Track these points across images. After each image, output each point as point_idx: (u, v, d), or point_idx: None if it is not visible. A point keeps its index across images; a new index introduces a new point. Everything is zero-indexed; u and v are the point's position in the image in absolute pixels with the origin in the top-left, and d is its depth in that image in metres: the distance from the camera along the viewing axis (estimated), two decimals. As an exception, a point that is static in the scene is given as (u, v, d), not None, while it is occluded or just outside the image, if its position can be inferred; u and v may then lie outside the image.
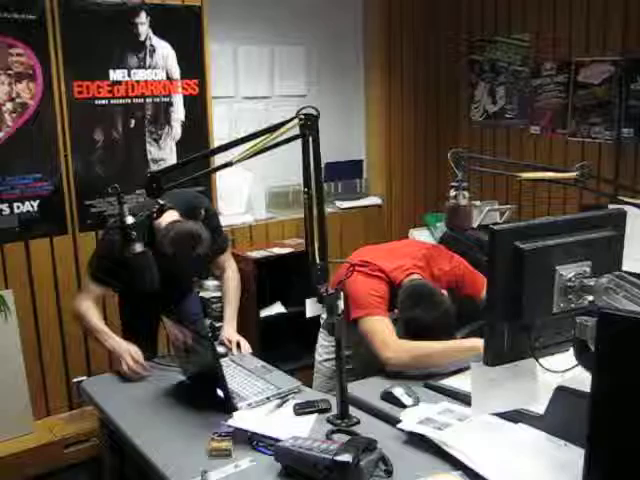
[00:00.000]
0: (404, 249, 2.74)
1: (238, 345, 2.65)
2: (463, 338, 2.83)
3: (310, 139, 1.90)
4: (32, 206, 3.43)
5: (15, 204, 3.39)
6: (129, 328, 2.82)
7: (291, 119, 1.90)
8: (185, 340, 2.26)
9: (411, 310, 2.38)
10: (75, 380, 3.51)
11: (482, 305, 2.54)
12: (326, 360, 2.76)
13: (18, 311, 3.27)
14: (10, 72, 3.30)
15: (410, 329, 2.38)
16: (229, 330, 2.74)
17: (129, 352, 2.44)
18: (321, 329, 2.83)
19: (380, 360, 2.32)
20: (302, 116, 1.90)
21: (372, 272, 2.50)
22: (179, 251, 2.23)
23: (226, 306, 2.83)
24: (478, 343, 2.09)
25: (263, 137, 1.92)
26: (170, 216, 2.40)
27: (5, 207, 3.36)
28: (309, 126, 1.89)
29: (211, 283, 3.94)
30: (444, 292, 2.52)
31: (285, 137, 1.94)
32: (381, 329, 2.37)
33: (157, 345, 2.91)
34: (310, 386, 2.43)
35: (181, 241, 2.27)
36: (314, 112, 1.90)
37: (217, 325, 3.08)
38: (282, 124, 1.91)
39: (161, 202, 1.97)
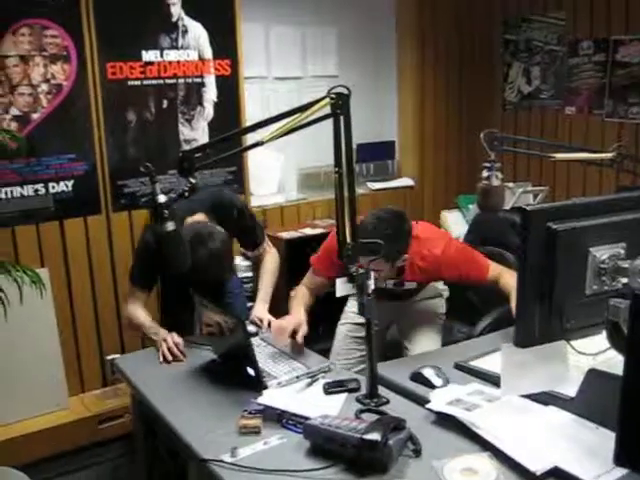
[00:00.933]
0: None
1: (269, 324, 2.66)
2: (488, 325, 2.84)
3: (341, 118, 1.88)
4: (67, 186, 3.48)
5: (50, 184, 3.44)
6: (168, 317, 2.86)
7: (322, 98, 1.89)
8: (217, 319, 2.28)
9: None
10: (109, 358, 3.57)
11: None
12: (343, 324, 2.96)
13: (53, 289, 3.32)
14: (45, 54, 3.34)
15: None
16: (260, 309, 2.75)
17: (167, 337, 2.48)
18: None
19: None
20: (333, 95, 1.89)
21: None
22: (192, 253, 2.21)
23: (261, 286, 2.85)
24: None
25: (294, 116, 1.92)
26: (197, 218, 2.43)
27: (40, 187, 3.41)
28: (340, 105, 1.88)
29: (243, 263, 3.97)
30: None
31: (316, 116, 1.93)
32: None
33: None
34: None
35: (193, 243, 2.28)
36: (345, 91, 1.89)
37: (249, 305, 3.09)
38: (313, 103, 1.90)
39: (193, 181, 1.97)
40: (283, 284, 4.03)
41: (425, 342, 2.79)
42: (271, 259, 2.92)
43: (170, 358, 2.43)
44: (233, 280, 3.06)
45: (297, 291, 2.74)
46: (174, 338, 2.47)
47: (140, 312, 2.63)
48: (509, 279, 2.45)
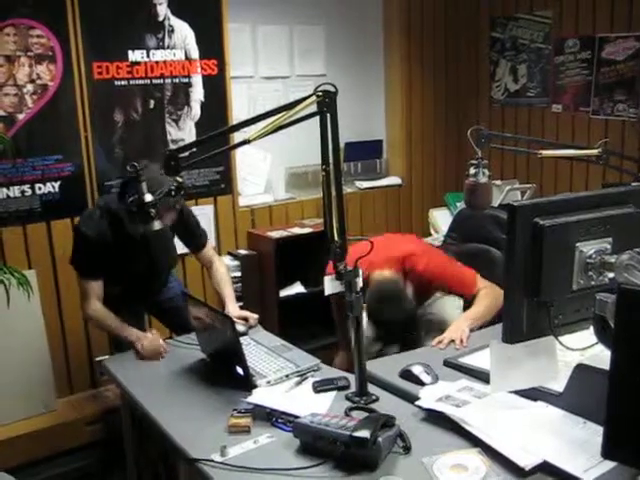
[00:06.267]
0: (390, 243, 2.80)
1: (246, 319, 2.68)
2: None
3: (328, 116, 1.88)
4: (53, 187, 3.46)
5: (37, 185, 3.42)
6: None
7: (309, 96, 1.89)
8: (205, 319, 2.28)
9: (377, 309, 2.54)
10: (97, 359, 3.55)
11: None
12: None
13: (41, 291, 3.29)
14: (30, 54, 3.32)
15: (376, 325, 2.58)
16: (233, 308, 2.76)
17: (142, 337, 2.52)
18: None
19: None
20: (320, 93, 1.88)
21: None
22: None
23: (223, 288, 2.84)
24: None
25: (281, 114, 1.91)
26: None
27: (27, 188, 3.39)
28: (327, 103, 1.88)
29: (232, 263, 3.97)
30: (409, 290, 2.63)
31: (303, 114, 1.93)
32: None
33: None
34: (329, 364, 2.45)
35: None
36: (332, 89, 1.89)
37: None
38: (300, 101, 1.89)
39: (179, 180, 1.97)
40: (273, 284, 4.05)
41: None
42: (221, 263, 2.94)
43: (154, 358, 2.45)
44: (178, 285, 3.12)
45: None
46: (148, 340, 2.50)
47: (106, 313, 2.61)
48: (489, 292, 2.62)
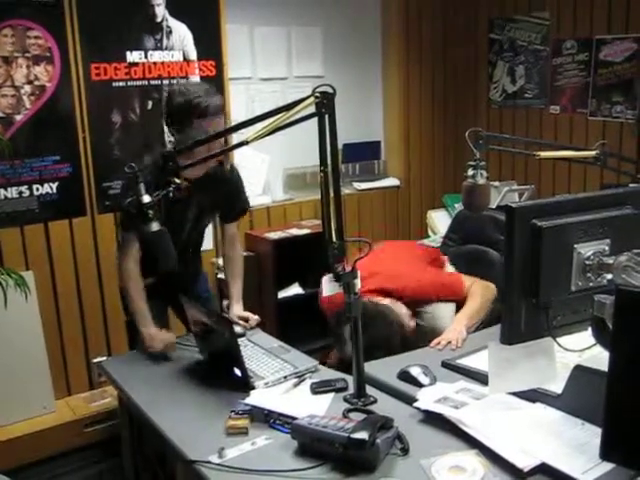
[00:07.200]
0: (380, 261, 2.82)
1: (247, 320, 2.68)
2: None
3: (326, 117, 1.88)
4: (51, 188, 3.46)
5: (34, 186, 3.42)
6: None
7: (307, 97, 1.89)
8: (203, 320, 2.27)
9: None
10: (95, 360, 3.54)
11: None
12: None
13: (38, 292, 3.29)
14: (28, 55, 3.32)
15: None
16: (238, 308, 2.76)
17: (154, 335, 2.48)
18: None
19: None
20: (318, 94, 1.88)
21: None
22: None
23: (233, 285, 2.83)
24: None
25: (279, 116, 1.91)
26: None
27: (25, 189, 3.39)
28: (325, 104, 1.87)
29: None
30: (399, 310, 2.66)
31: (301, 115, 1.92)
32: None
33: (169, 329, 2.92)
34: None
35: None
36: (330, 90, 1.88)
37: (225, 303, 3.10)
38: (298, 102, 1.89)
39: (177, 181, 1.97)
40: (271, 286, 4.04)
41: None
42: (239, 256, 2.90)
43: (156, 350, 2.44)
44: (202, 282, 3.06)
45: None
46: (163, 337, 2.47)
47: (138, 283, 2.50)
48: (476, 288, 2.68)
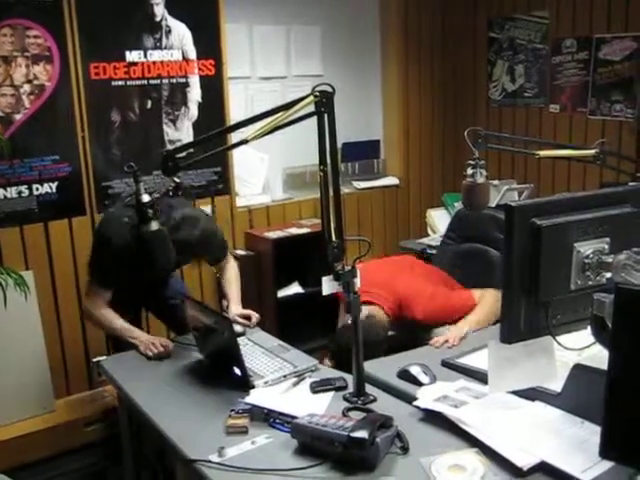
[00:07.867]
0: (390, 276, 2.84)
1: (249, 318, 2.68)
2: None
3: (325, 116, 1.88)
4: (51, 187, 3.46)
5: (34, 186, 3.42)
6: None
7: (306, 96, 1.89)
8: (203, 320, 2.27)
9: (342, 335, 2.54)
10: (94, 359, 3.54)
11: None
12: None
13: (38, 292, 3.29)
14: (27, 54, 3.32)
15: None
16: (235, 307, 2.77)
17: (147, 340, 2.50)
18: None
19: None
20: (317, 93, 1.88)
21: None
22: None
23: (229, 287, 2.85)
24: None
25: (278, 115, 1.91)
26: None
27: (24, 189, 3.39)
28: (324, 103, 1.88)
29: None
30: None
31: (301, 114, 1.93)
32: None
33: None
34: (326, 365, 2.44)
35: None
36: (329, 89, 1.88)
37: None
38: (297, 101, 1.89)
39: (177, 180, 1.97)
40: (270, 285, 4.04)
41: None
42: (232, 264, 2.92)
43: (156, 352, 2.45)
44: (172, 285, 3.07)
45: None
46: (158, 344, 2.48)
47: (112, 315, 2.57)
48: (486, 296, 2.69)
